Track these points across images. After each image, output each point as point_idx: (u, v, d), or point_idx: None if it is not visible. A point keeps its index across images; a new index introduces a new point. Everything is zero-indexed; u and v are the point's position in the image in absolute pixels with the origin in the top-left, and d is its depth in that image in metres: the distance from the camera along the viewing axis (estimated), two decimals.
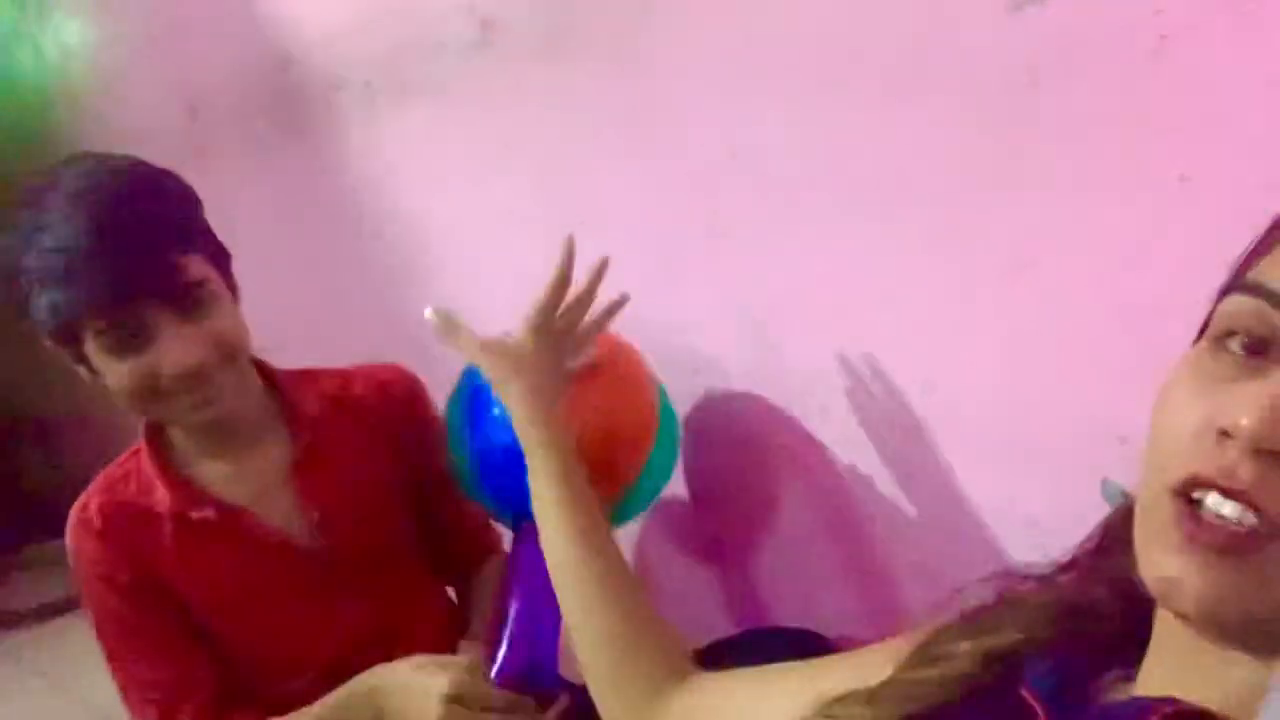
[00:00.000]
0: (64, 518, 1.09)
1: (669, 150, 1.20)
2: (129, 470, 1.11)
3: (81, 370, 1.02)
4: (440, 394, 1.16)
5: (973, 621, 0.57)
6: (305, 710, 1.06)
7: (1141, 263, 0.81)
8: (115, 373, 0.99)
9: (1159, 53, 0.77)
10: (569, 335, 0.98)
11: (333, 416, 1.17)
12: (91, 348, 0.98)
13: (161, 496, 1.07)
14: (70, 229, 0.94)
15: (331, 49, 1.67)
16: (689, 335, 1.26)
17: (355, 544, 1.14)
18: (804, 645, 1.15)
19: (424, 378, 1.24)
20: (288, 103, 1.79)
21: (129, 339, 0.97)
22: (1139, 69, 0.79)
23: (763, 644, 1.18)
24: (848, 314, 1.07)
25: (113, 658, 1.08)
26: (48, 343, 1.01)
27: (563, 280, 0.96)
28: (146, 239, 0.97)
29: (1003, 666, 0.54)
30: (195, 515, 1.07)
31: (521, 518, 1.07)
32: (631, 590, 0.80)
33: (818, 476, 1.15)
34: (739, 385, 1.21)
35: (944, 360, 0.99)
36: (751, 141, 1.10)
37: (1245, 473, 0.41)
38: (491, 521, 1.26)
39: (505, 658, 1.04)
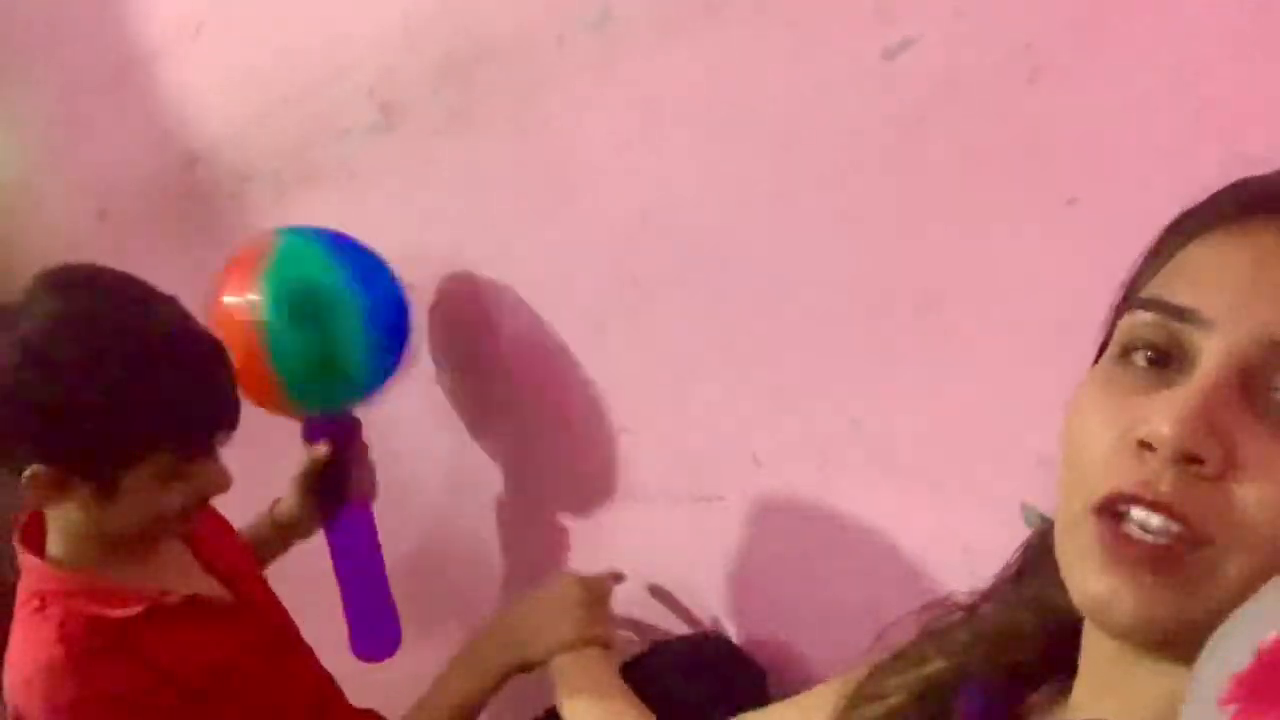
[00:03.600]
0: None
1: (583, 215, 1.21)
2: (61, 614, 0.98)
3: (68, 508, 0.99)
4: None
5: (901, 658, 0.58)
6: (436, 692, 1.09)
7: (1039, 286, 0.83)
8: (166, 494, 0.99)
9: (1034, 83, 0.80)
10: None
11: None
12: (143, 474, 0.97)
13: (119, 602, 0.99)
14: (171, 357, 0.97)
15: (237, 143, 1.66)
16: (615, 394, 1.26)
17: (275, 603, 1.21)
18: (708, 649, 1.18)
19: None
20: (197, 199, 1.77)
21: (195, 461, 1.00)
22: (1016, 100, 0.81)
23: (668, 653, 1.20)
24: (770, 360, 1.08)
25: None
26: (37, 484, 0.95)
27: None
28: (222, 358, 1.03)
29: (934, 698, 0.54)
30: (168, 601, 1.02)
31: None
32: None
33: (754, 525, 1.15)
34: (669, 438, 1.21)
35: (867, 397, 1.01)
36: (660, 201, 1.11)
37: (1167, 484, 0.41)
38: None
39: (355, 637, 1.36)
